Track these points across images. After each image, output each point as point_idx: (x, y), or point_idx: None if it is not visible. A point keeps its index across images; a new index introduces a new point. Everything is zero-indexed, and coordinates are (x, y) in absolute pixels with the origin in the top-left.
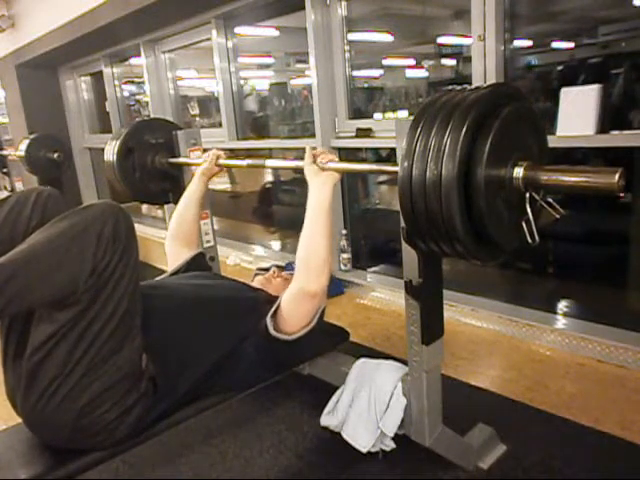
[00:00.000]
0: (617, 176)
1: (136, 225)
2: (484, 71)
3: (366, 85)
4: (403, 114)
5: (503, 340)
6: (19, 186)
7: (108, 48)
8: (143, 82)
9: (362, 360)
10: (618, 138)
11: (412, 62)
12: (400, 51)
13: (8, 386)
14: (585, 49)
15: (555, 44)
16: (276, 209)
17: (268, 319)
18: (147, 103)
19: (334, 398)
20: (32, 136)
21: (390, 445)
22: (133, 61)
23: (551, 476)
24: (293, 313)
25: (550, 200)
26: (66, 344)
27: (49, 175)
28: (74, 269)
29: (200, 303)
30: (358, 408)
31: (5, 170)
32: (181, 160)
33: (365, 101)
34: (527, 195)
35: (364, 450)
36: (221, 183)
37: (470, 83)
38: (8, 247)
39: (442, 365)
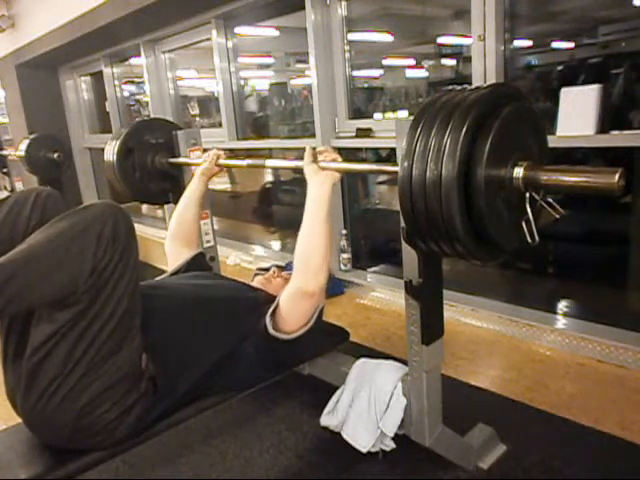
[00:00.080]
0: (617, 176)
1: (136, 225)
2: (484, 71)
3: (366, 85)
4: (403, 114)
5: (503, 340)
6: (19, 186)
7: (108, 48)
8: (143, 82)
9: (362, 360)
10: (618, 138)
11: (412, 62)
12: (400, 51)
13: (8, 386)
14: (585, 49)
15: (555, 44)
16: (276, 209)
17: (267, 318)
18: (147, 103)
19: (334, 398)
20: (32, 136)
21: (390, 445)
22: (133, 61)
23: (551, 476)
24: (291, 312)
25: (550, 200)
26: (66, 344)
27: (49, 175)
28: (74, 269)
29: (200, 303)
30: (358, 408)
31: (5, 170)
32: (181, 160)
33: (365, 101)
34: (527, 195)
35: (364, 450)
36: (221, 183)
37: (470, 83)
38: (8, 247)
39: (442, 365)
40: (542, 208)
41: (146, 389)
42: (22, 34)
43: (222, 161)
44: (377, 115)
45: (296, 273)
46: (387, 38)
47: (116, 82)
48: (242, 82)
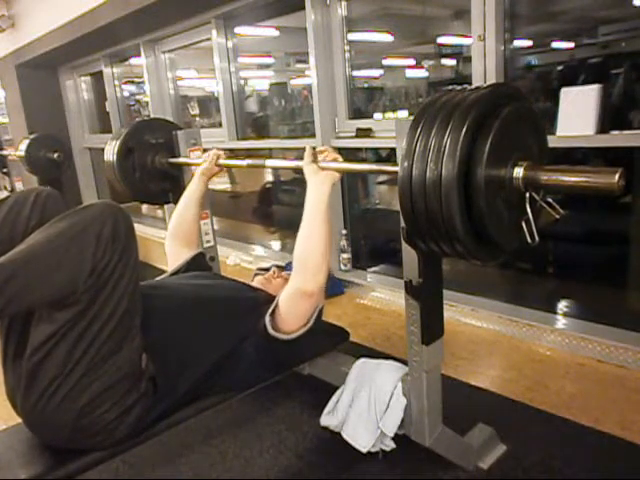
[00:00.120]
0: (617, 176)
1: (136, 225)
2: (484, 71)
3: (366, 85)
4: (403, 114)
5: (503, 340)
6: (19, 186)
7: (108, 48)
8: (143, 82)
9: (362, 360)
10: (618, 138)
11: (412, 62)
12: (400, 51)
13: (8, 386)
14: (585, 49)
15: (555, 44)
16: (276, 209)
17: (267, 318)
18: (147, 103)
19: (334, 398)
20: (32, 136)
21: (390, 445)
22: (133, 61)
23: (551, 476)
24: (290, 312)
25: (550, 200)
26: (66, 344)
27: (49, 175)
28: (73, 269)
29: (200, 303)
30: (358, 408)
31: (5, 170)
32: (181, 160)
33: (365, 101)
34: (527, 195)
35: (364, 450)
36: (221, 183)
37: (470, 83)
38: (7, 247)
39: (442, 365)
40: (542, 208)
41: (146, 389)
42: (22, 34)
43: (222, 161)
44: (377, 115)
45: (295, 273)
46: (387, 38)
47: (116, 82)
48: (242, 82)
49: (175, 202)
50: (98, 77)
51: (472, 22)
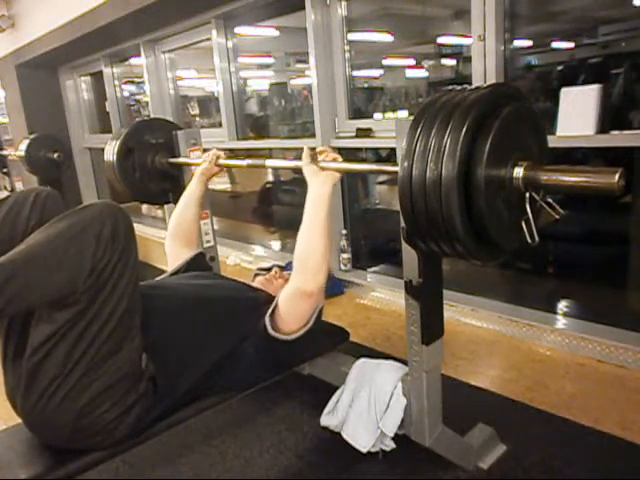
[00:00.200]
0: (617, 176)
1: (136, 225)
2: (484, 71)
3: (366, 85)
4: (403, 114)
5: (503, 340)
6: (19, 186)
7: (108, 48)
8: (143, 82)
9: (362, 360)
10: (618, 138)
11: (412, 62)
12: (400, 51)
13: (8, 386)
14: (585, 49)
15: (555, 44)
16: (276, 209)
17: (266, 318)
18: (147, 103)
19: (334, 398)
20: (32, 136)
21: (390, 445)
22: (133, 61)
23: (551, 476)
24: (290, 312)
25: (550, 200)
26: (65, 344)
27: (49, 175)
28: (73, 269)
29: (200, 303)
30: (358, 408)
31: (5, 170)
32: (181, 160)
33: (365, 101)
34: (527, 195)
35: (364, 450)
36: (221, 183)
37: (470, 83)
38: (7, 247)
39: (442, 365)
40: (542, 208)
41: (146, 389)
42: (22, 34)
43: (222, 161)
44: (377, 115)
45: (295, 273)
46: (387, 38)
47: (116, 82)
48: (242, 82)
49: (175, 202)
50: (98, 77)
51: (472, 22)
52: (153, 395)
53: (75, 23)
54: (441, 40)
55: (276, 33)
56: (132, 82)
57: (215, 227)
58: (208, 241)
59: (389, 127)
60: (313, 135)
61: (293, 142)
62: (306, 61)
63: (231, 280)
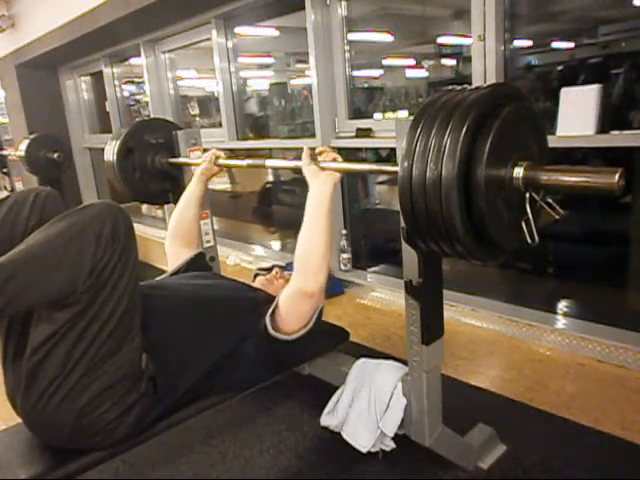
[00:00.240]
0: (617, 176)
1: (136, 225)
2: (484, 71)
3: (366, 85)
4: (403, 114)
5: (503, 340)
6: (19, 186)
7: (108, 48)
8: (143, 82)
9: (362, 360)
10: (618, 138)
11: (412, 62)
12: (400, 51)
13: (8, 386)
14: (585, 49)
15: (555, 44)
16: (276, 209)
17: (267, 319)
18: (147, 103)
19: (334, 398)
20: (32, 136)
21: (390, 445)
22: (133, 61)
23: (551, 476)
24: (291, 312)
25: (550, 200)
26: (65, 344)
27: (49, 175)
28: (73, 269)
29: (200, 303)
30: (358, 408)
31: (5, 170)
32: (181, 160)
33: (365, 101)
34: (527, 195)
35: (364, 450)
36: (221, 183)
37: (470, 83)
38: (7, 247)
39: (442, 365)
40: (542, 208)
41: (146, 389)
42: (22, 34)
43: (222, 161)
44: (377, 115)
45: (296, 273)
46: (387, 38)
47: (116, 82)
48: (242, 82)
49: (175, 202)
50: (98, 77)
51: (472, 22)
52: (153, 395)
53: (75, 23)
54: (441, 40)
55: (276, 33)
56: (132, 82)
57: (215, 227)
58: (208, 241)
59: (389, 127)
60: (313, 135)
61: (293, 142)
62: (306, 61)
63: (231, 280)
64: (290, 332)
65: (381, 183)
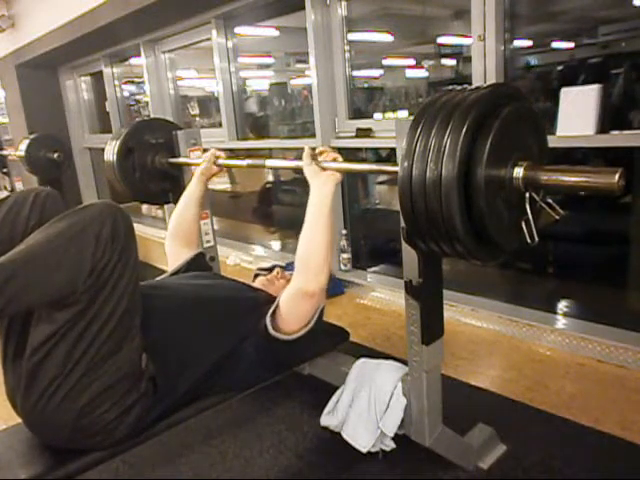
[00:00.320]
0: (617, 176)
1: (136, 225)
2: (484, 71)
3: (366, 85)
4: (403, 114)
5: (503, 340)
6: (19, 186)
7: (108, 48)
8: (143, 82)
9: (362, 360)
10: (618, 138)
11: (412, 62)
12: (400, 51)
13: (8, 386)
14: (585, 49)
15: (555, 44)
16: (276, 209)
17: (267, 319)
18: (147, 103)
19: (334, 398)
20: (32, 136)
21: (390, 445)
22: (133, 61)
23: (551, 476)
24: (291, 312)
25: (550, 201)
26: (65, 344)
27: (49, 175)
28: (73, 269)
29: (200, 303)
30: (358, 408)
31: (5, 170)
32: (181, 160)
33: (365, 101)
34: (527, 195)
35: (364, 450)
36: (221, 183)
37: (470, 83)
38: (7, 247)
39: (442, 365)
40: (542, 208)
41: (146, 389)
42: (22, 34)
43: (222, 161)
44: (377, 115)
45: (297, 273)
46: (387, 38)
47: (116, 82)
48: (242, 82)
49: (175, 202)
50: (98, 77)
51: (472, 22)
52: (153, 395)
53: (75, 23)
54: (441, 40)
55: (276, 33)
56: (132, 82)
57: (215, 227)
58: (208, 241)
59: (389, 127)
60: (313, 135)
61: (293, 142)
62: (306, 61)
63: (231, 280)
64: (291, 332)
65: (381, 183)
